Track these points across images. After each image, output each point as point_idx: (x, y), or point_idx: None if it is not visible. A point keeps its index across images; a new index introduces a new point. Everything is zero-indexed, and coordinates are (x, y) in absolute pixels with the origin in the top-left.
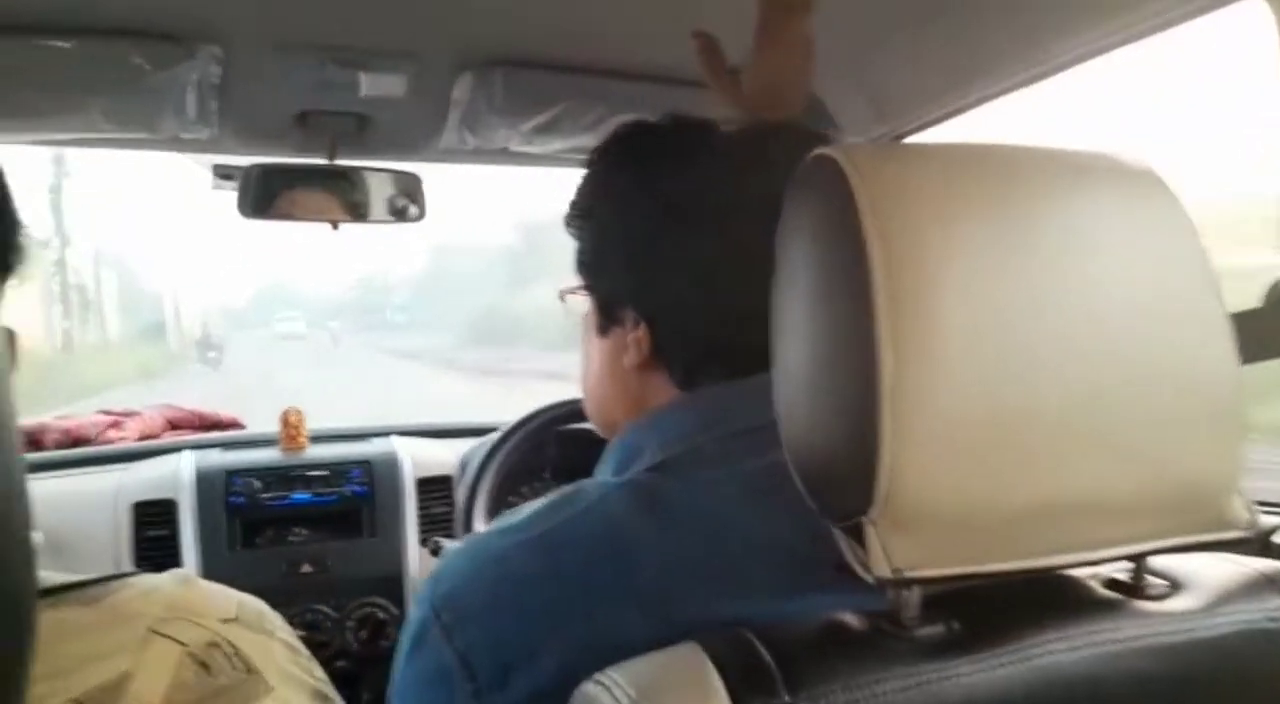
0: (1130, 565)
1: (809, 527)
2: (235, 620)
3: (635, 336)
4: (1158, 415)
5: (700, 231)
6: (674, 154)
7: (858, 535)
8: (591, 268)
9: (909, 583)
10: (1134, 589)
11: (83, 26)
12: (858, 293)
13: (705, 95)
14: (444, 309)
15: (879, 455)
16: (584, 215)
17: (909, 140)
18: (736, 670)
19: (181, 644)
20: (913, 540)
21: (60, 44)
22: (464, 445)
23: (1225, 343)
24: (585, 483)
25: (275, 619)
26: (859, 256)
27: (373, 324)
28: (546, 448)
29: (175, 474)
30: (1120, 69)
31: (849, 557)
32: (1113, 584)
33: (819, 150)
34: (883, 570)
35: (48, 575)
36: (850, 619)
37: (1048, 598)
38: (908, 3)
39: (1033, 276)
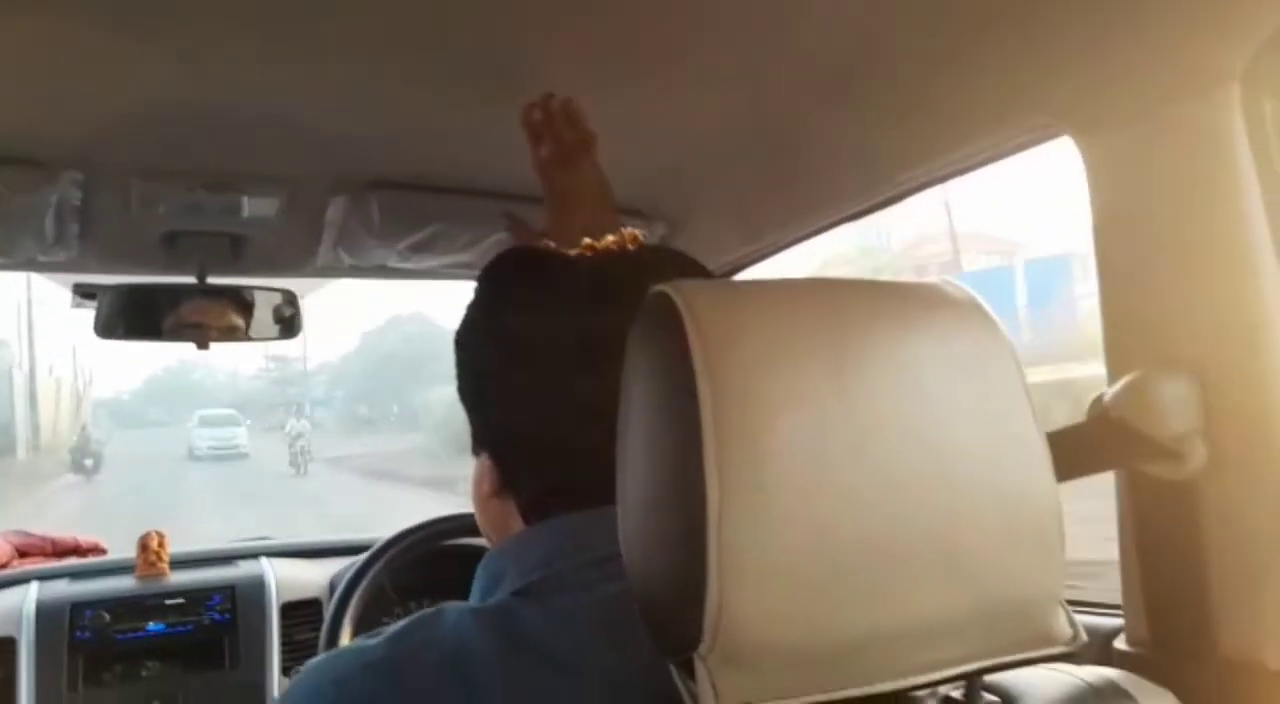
0: (963, 684)
1: (649, 658)
2: None
3: (485, 466)
4: (984, 537)
5: (533, 371)
6: (513, 292)
7: (690, 670)
8: (460, 395)
9: None
10: None
11: None
12: (686, 428)
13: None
14: (381, 399)
15: (707, 589)
16: (455, 345)
17: (764, 262)
18: None
19: None
20: (743, 674)
21: None
22: (335, 565)
23: (1043, 463)
24: (447, 605)
25: None
26: (689, 393)
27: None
28: (419, 567)
29: (16, 609)
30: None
31: (683, 692)
32: (948, 703)
33: (656, 287)
34: None
35: None
36: None
37: None
38: (758, 137)
39: (858, 408)
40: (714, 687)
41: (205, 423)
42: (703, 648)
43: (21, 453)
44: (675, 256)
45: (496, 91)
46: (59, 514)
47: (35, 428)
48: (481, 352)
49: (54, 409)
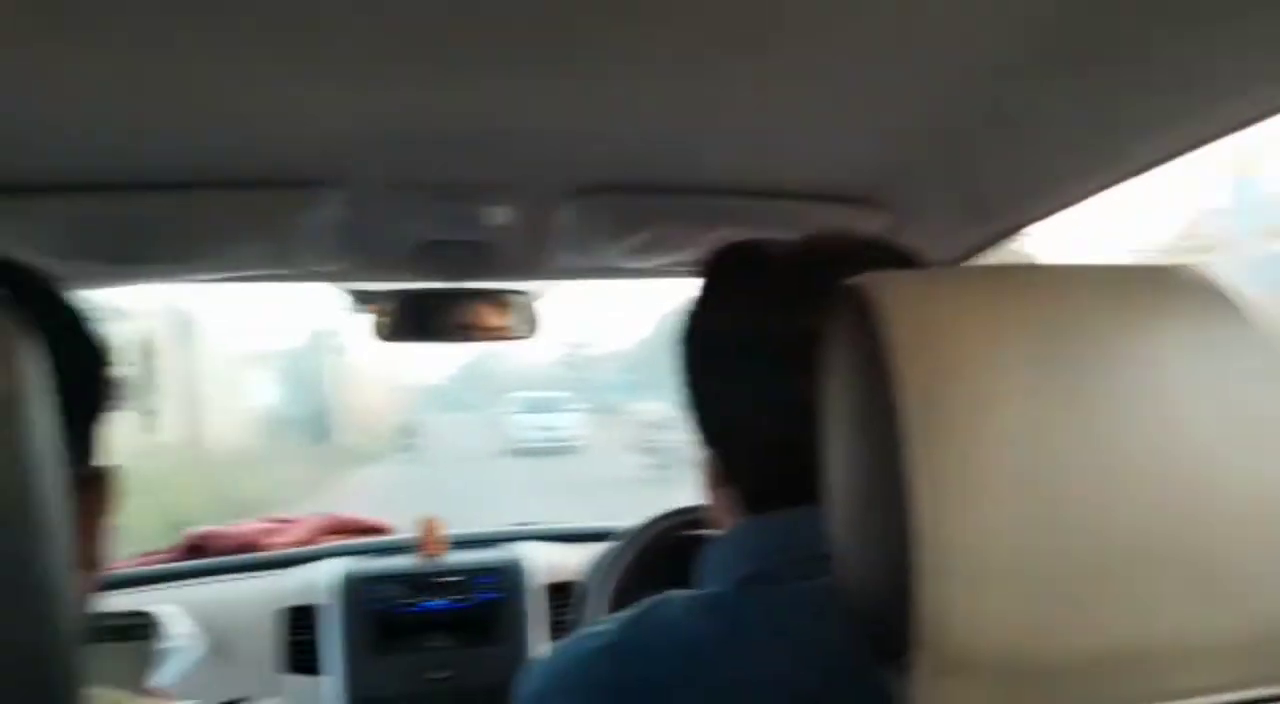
0: None
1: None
2: None
3: (708, 458)
4: (1248, 549)
5: (745, 367)
6: (724, 288)
7: (898, 671)
8: (680, 390)
9: None
10: None
11: (228, 180)
12: (888, 425)
13: (803, 207)
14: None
15: (918, 591)
16: (675, 342)
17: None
18: None
19: None
20: (956, 685)
21: (207, 196)
22: (594, 550)
23: None
24: (671, 594)
25: None
26: (888, 389)
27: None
28: (671, 554)
29: (320, 581)
30: None
31: (894, 696)
32: None
33: (849, 281)
34: None
35: None
36: None
37: None
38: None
39: (1088, 406)
40: (925, 695)
41: (531, 408)
42: (913, 651)
43: (340, 436)
44: (887, 249)
45: (721, 90)
46: (384, 495)
47: (350, 412)
48: (698, 348)
49: (368, 394)
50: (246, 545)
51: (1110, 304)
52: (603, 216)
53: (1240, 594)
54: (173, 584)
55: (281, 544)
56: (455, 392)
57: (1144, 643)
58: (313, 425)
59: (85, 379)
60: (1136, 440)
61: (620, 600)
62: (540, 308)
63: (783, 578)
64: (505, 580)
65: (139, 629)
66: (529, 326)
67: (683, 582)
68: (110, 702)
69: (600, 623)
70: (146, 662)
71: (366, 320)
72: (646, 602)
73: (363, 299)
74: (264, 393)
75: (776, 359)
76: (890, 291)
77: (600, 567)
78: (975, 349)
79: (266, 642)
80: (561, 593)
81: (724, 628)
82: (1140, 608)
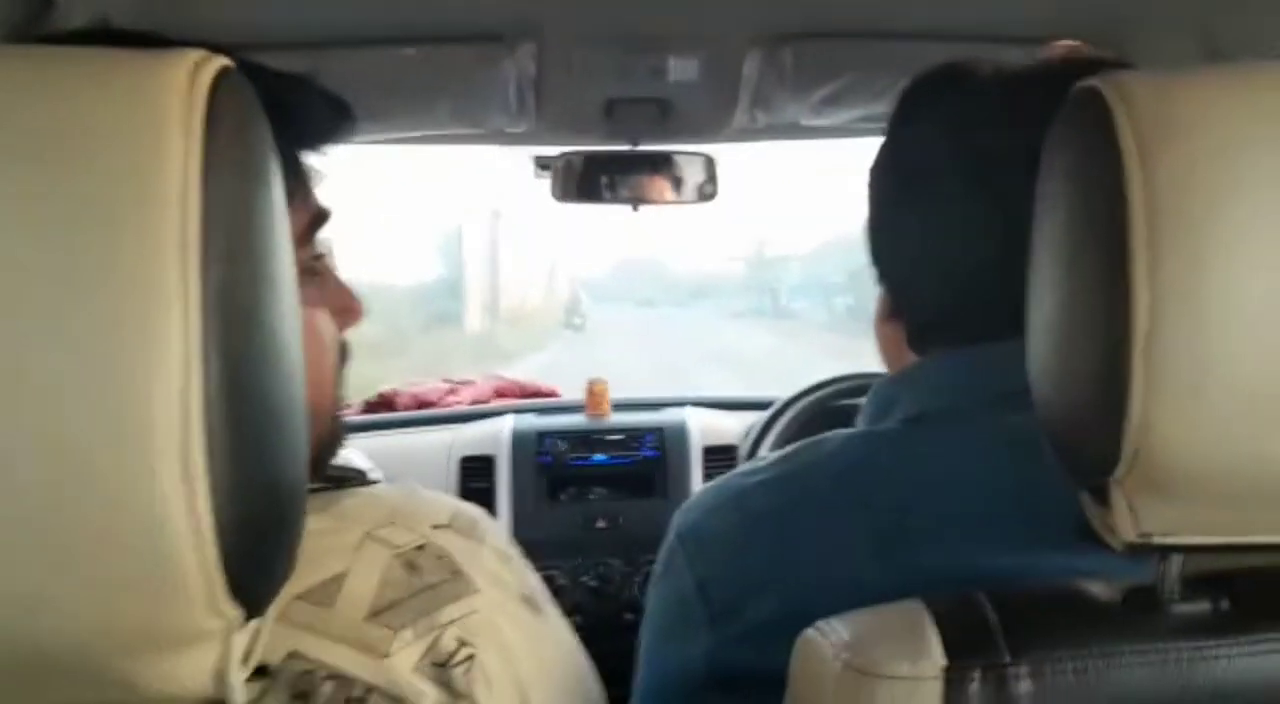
0: None
1: (1057, 485)
2: (448, 527)
3: (881, 291)
4: None
5: (923, 192)
6: (913, 113)
7: (1102, 496)
8: (865, 226)
9: (1157, 550)
10: None
11: (422, 35)
12: (1112, 229)
13: (998, 51)
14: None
15: (1129, 404)
16: (868, 173)
17: None
18: (957, 629)
19: (393, 547)
20: (1165, 504)
21: (406, 51)
22: (752, 417)
23: None
24: (832, 432)
25: (490, 528)
26: (1117, 193)
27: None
28: (824, 420)
29: (495, 434)
30: None
31: (1094, 521)
32: None
33: (1083, 82)
34: (1128, 533)
35: None
36: (1097, 587)
37: None
38: None
39: None
40: (1132, 513)
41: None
42: (1119, 470)
43: (474, 322)
44: (1118, 65)
45: None
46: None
47: (496, 292)
48: (882, 176)
49: (521, 276)
50: (427, 403)
51: None
52: (789, 66)
53: None
54: (359, 435)
55: (459, 402)
56: (618, 286)
57: None
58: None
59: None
60: None
61: None
62: (719, 172)
63: (964, 416)
64: (666, 439)
65: (351, 482)
66: (702, 192)
67: None
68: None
69: (749, 464)
70: None
71: (544, 185)
72: (799, 443)
73: (543, 165)
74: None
75: (968, 180)
76: (1128, 89)
77: (758, 429)
78: (1219, 147)
79: (441, 488)
80: (718, 455)
81: (895, 460)
82: None
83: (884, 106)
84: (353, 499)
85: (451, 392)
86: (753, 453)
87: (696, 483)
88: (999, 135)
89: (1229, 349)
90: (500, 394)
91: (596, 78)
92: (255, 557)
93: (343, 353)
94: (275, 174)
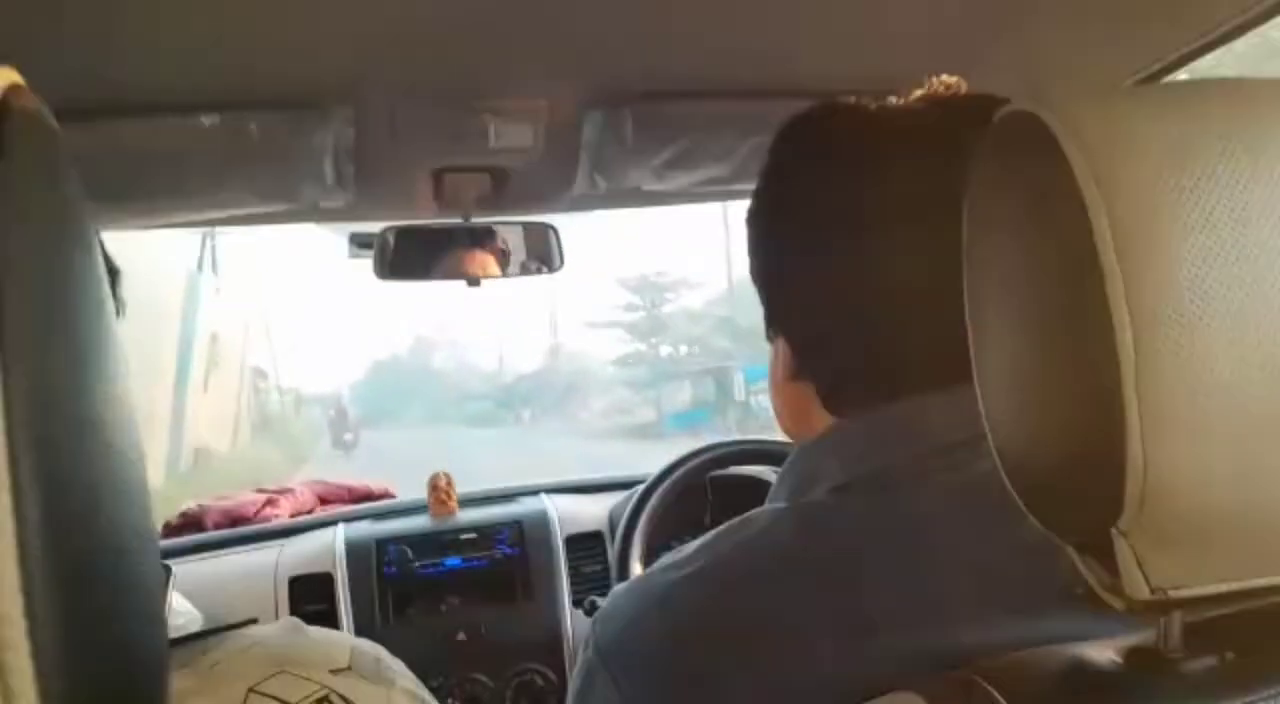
0: None
1: (1025, 546)
2: (348, 670)
3: (780, 348)
4: None
5: (828, 239)
6: (802, 155)
7: (1099, 552)
8: (752, 276)
9: (1171, 606)
10: None
11: (225, 102)
12: (1078, 262)
13: None
14: None
15: (1127, 449)
16: (746, 223)
17: None
18: None
19: (285, 703)
20: (1176, 552)
21: (205, 121)
22: (612, 500)
23: None
24: (754, 511)
25: (394, 665)
26: (1076, 221)
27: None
28: (695, 495)
29: (327, 548)
30: None
31: (1089, 578)
32: None
33: (1009, 108)
34: (1140, 591)
35: None
36: (1094, 653)
37: None
38: None
39: None
40: (1142, 568)
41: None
42: (1123, 522)
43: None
44: (995, 103)
45: None
46: None
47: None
48: (773, 222)
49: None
50: (242, 518)
51: None
52: (629, 131)
53: None
54: (167, 561)
55: (279, 514)
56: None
57: None
58: None
59: None
60: None
61: (652, 545)
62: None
63: (900, 480)
64: (525, 533)
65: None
66: (544, 262)
67: (718, 521)
68: None
69: (668, 558)
70: None
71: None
72: (721, 528)
73: (361, 243)
74: None
75: (874, 225)
76: (1069, 110)
77: (628, 511)
78: (1179, 164)
79: (269, 616)
80: (584, 544)
81: (825, 541)
82: None
83: (725, 169)
84: (224, 647)
85: (269, 503)
86: (626, 540)
87: (562, 579)
88: (904, 175)
89: (1220, 372)
90: (325, 501)
91: (421, 143)
92: None
93: None
94: (89, 228)
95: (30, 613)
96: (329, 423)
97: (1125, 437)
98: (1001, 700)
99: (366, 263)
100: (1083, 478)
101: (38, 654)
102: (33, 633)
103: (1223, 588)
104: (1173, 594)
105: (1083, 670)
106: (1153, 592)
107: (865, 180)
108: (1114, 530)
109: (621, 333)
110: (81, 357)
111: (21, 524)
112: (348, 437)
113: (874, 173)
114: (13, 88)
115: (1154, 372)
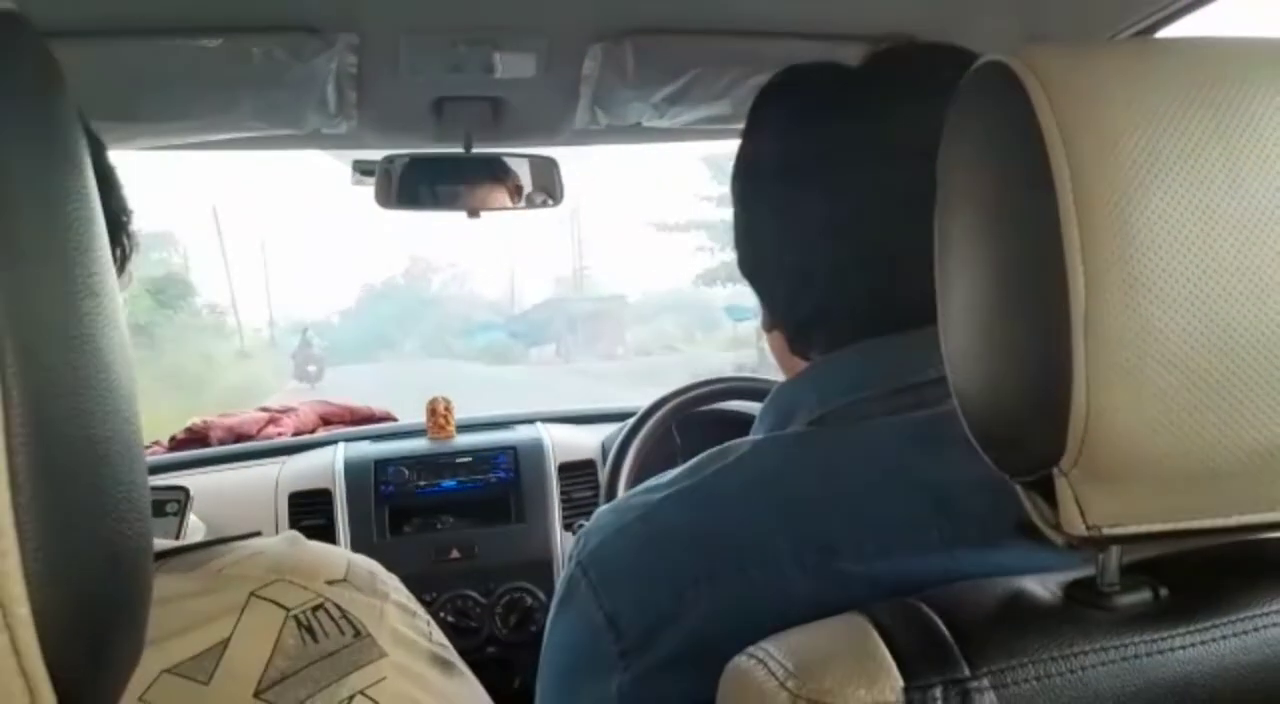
0: None
1: (984, 481)
2: (344, 581)
3: (758, 297)
4: None
5: (772, 196)
6: (770, 110)
7: (1043, 489)
8: (734, 234)
9: (1107, 542)
10: None
11: (227, 24)
12: (1038, 211)
13: (837, 47)
14: None
15: (1072, 395)
16: (731, 180)
17: None
18: (909, 644)
19: (284, 607)
20: (1111, 493)
21: (207, 43)
22: (605, 430)
23: None
24: (735, 440)
25: (389, 580)
26: (1039, 170)
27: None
28: (684, 429)
29: (328, 465)
30: None
31: (1033, 515)
32: None
33: (984, 58)
34: (1076, 528)
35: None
36: (1035, 585)
37: (1266, 563)
38: None
39: (1251, 182)
40: (1079, 506)
41: None
42: (1065, 462)
43: None
44: (956, 53)
45: None
46: None
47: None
48: (736, 181)
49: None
50: (245, 436)
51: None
52: (631, 63)
53: None
54: (169, 475)
55: (282, 432)
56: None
57: None
58: None
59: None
60: None
61: (640, 474)
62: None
63: (871, 413)
64: (520, 459)
65: (173, 503)
66: (546, 194)
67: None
68: None
69: (652, 482)
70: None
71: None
72: (703, 454)
73: (364, 171)
74: None
75: (827, 174)
76: (1040, 61)
77: (619, 441)
78: (1140, 120)
79: (269, 529)
80: (576, 471)
81: (803, 465)
82: None
83: (726, 107)
84: (228, 555)
85: (272, 421)
86: (615, 468)
87: (554, 504)
88: (842, 129)
89: (1165, 326)
90: (327, 421)
91: (424, 73)
92: (90, 644)
93: None
94: (83, 148)
95: (17, 512)
96: (291, 355)
97: (1071, 383)
98: (942, 626)
99: (367, 190)
100: (1030, 419)
101: (28, 555)
102: (21, 535)
103: (1155, 528)
104: (1107, 531)
105: (1023, 600)
106: (1089, 528)
107: (795, 139)
108: (1056, 470)
109: (702, 238)
110: (70, 272)
111: (9, 431)
112: (311, 369)
113: (808, 131)
114: (3, 14)
115: (1103, 323)
